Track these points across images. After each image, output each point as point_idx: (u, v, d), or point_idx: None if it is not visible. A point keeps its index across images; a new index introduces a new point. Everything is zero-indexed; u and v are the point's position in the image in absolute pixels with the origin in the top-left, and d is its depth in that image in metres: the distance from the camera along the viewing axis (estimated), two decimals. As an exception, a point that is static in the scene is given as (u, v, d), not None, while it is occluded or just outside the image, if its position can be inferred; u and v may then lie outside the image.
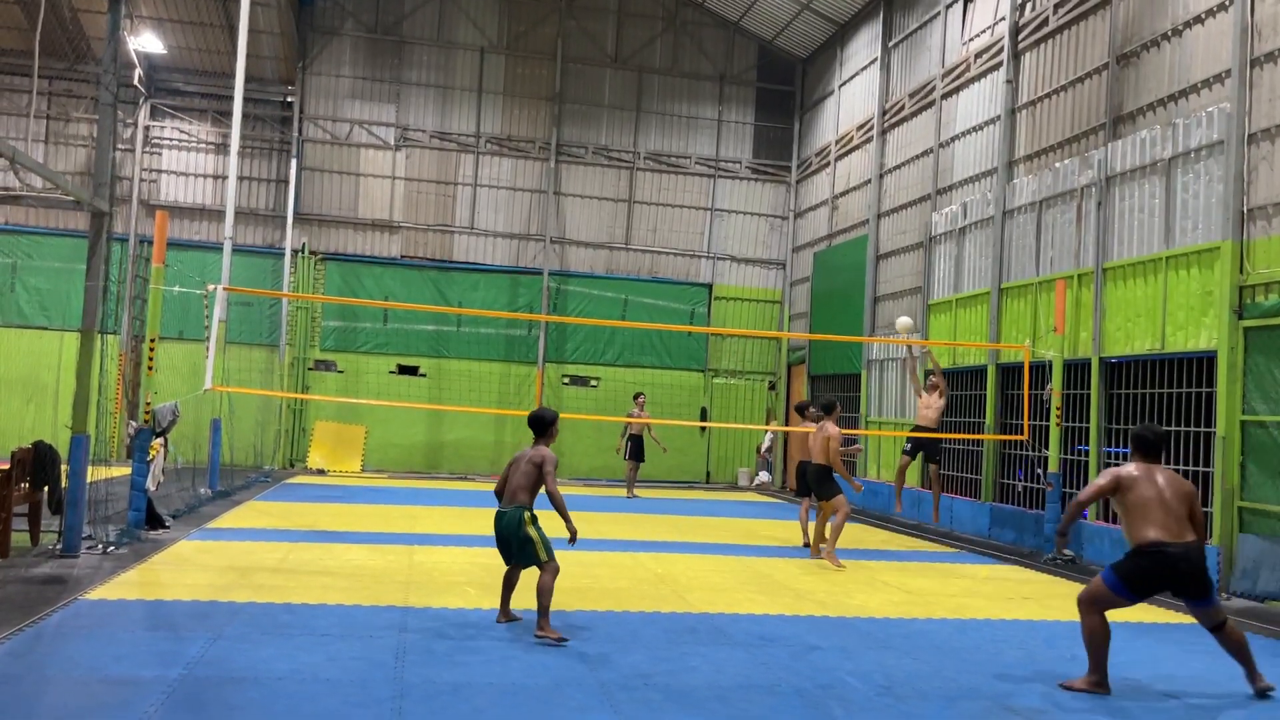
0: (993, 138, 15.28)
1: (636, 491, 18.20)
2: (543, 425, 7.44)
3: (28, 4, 18.71)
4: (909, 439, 14.07)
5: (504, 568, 7.41)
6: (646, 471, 19.23)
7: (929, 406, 13.79)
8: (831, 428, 11.44)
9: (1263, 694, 6.29)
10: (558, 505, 7.07)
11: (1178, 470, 11.11)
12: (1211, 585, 6.29)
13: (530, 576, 7.15)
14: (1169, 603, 9.63)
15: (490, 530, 7.41)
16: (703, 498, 18.92)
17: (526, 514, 7.12)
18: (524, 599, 7.30)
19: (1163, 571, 6.17)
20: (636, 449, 18.08)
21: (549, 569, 6.99)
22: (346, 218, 21.53)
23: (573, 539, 7.11)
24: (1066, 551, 12.09)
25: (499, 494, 7.37)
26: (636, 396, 18.51)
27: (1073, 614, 8.78)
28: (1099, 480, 6.50)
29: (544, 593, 6.89)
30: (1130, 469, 6.38)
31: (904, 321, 14.47)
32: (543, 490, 7.15)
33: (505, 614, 7.34)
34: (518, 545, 7.11)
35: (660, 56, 22.78)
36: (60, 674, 5.60)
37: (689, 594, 8.88)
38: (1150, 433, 6.50)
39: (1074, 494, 12.76)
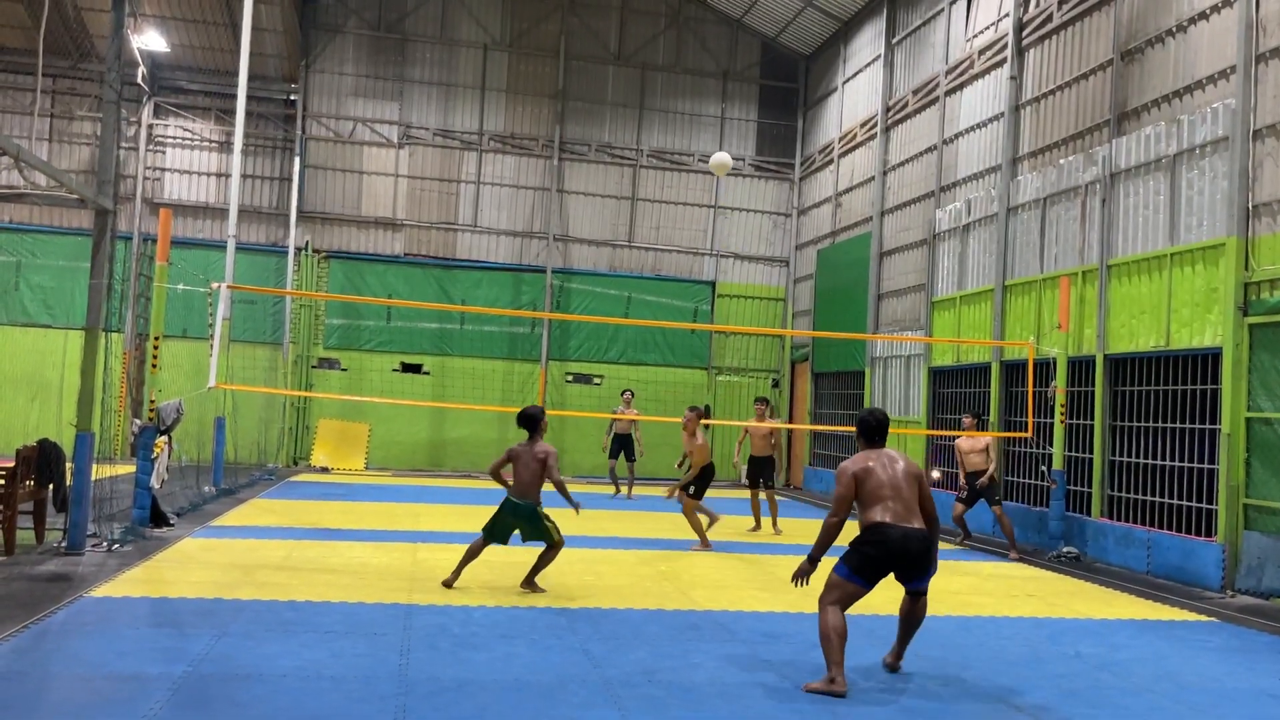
0: (997, 134, 15.25)
1: (636, 490, 17.75)
2: (534, 422, 8.44)
3: (32, 2, 18.73)
4: (962, 488, 12.78)
5: (499, 560, 7.98)
6: (647, 468, 19.19)
7: (972, 450, 12.65)
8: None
9: (891, 669, 6.41)
10: (562, 490, 8.47)
11: (1184, 468, 11.10)
12: (932, 568, 6.20)
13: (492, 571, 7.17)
14: (1172, 599, 9.62)
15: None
16: (706, 494, 18.90)
17: (539, 509, 8.33)
18: (503, 587, 7.28)
19: (889, 556, 6.01)
20: (624, 447, 17.59)
21: (558, 546, 8.39)
22: (350, 215, 21.54)
23: (578, 510, 8.65)
24: (1070, 549, 12.08)
25: (495, 475, 8.53)
26: (624, 393, 18.33)
27: (1079, 611, 8.81)
28: (838, 490, 6.15)
29: (548, 561, 8.40)
30: (861, 460, 6.19)
31: (721, 159, 13.91)
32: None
33: (455, 579, 8.39)
34: (532, 528, 8.35)
35: (663, 53, 22.77)
36: (65, 671, 5.61)
37: (692, 591, 8.88)
38: (873, 417, 6.35)
39: (1078, 491, 12.75)
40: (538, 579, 8.42)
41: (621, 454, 17.57)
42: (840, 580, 6.08)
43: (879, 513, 6.05)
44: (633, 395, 18.36)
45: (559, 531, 8.37)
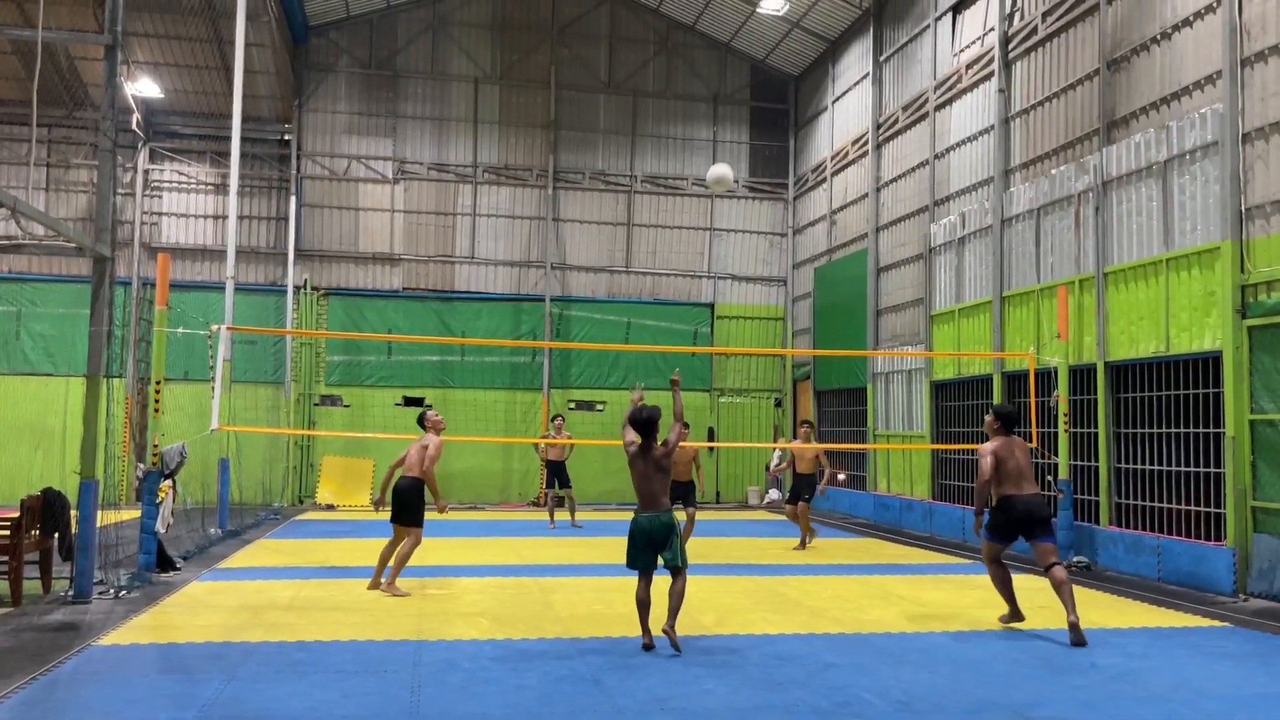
0: (988, 147, 15.33)
1: (578, 517, 16.55)
2: (653, 425, 7.58)
3: (25, 53, 18.89)
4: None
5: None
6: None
7: (802, 456, 14.13)
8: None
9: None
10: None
11: (1190, 472, 11.07)
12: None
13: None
14: (1185, 605, 9.56)
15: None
16: (713, 517, 18.85)
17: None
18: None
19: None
20: (558, 475, 16.37)
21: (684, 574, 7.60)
22: (347, 252, 21.62)
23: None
24: (1080, 558, 12.03)
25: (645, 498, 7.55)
26: (555, 419, 17.12)
27: (1092, 621, 8.74)
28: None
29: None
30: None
31: (718, 173, 12.95)
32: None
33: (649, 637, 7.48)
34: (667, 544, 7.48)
35: (653, 80, 22.92)
36: (75, 721, 5.57)
37: (702, 615, 8.83)
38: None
39: (1085, 499, 12.71)
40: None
41: (556, 482, 16.43)
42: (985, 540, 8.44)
43: (1009, 487, 8.26)
44: (564, 420, 17.26)
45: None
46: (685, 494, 13.40)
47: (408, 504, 10.01)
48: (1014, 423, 8.50)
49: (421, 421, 10.48)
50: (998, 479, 8.25)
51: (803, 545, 13.92)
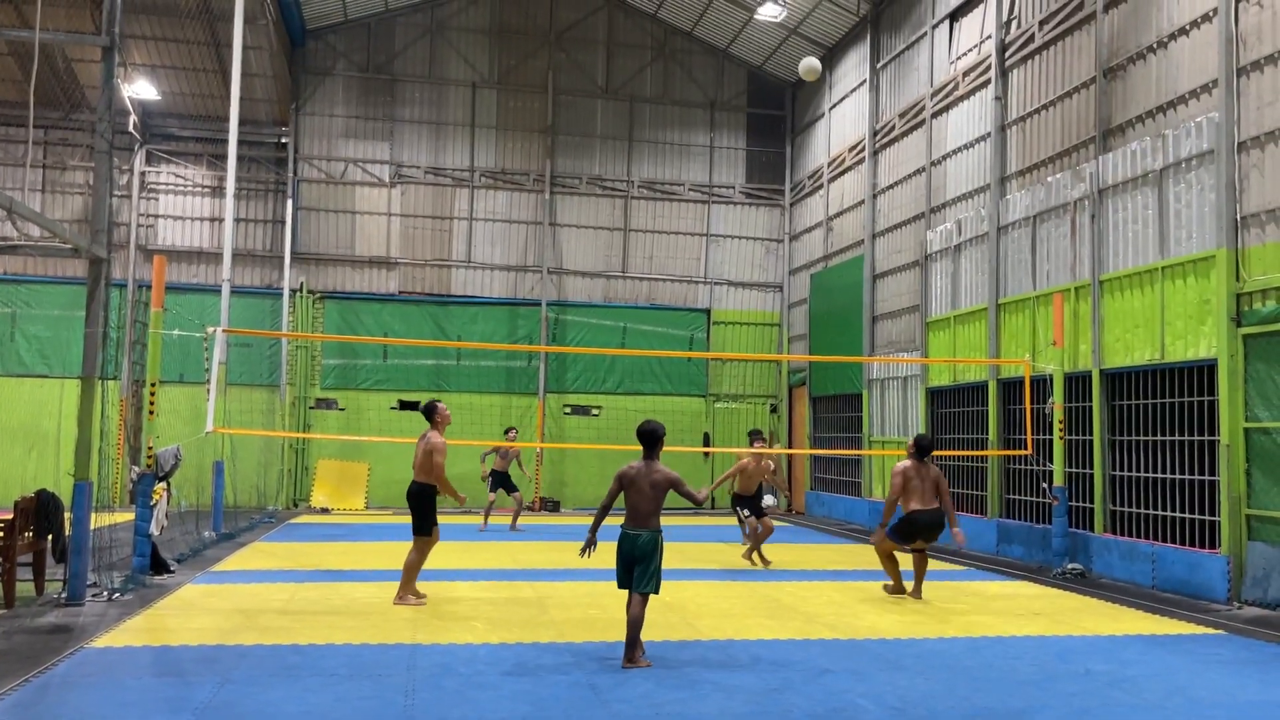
0: (984, 154, 15.36)
1: (520, 523, 17.00)
2: (655, 439, 7.35)
3: (22, 55, 18.87)
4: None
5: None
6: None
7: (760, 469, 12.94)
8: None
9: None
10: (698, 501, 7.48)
11: (1185, 480, 11.09)
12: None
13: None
14: (1179, 612, 9.57)
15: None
16: (708, 523, 18.83)
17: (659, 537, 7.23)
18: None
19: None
20: (503, 483, 16.68)
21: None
22: (344, 256, 21.61)
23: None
24: (1075, 565, 12.05)
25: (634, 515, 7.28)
26: (508, 431, 17.29)
27: (1087, 628, 8.75)
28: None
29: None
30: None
31: (810, 64, 14.21)
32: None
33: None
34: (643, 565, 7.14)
35: (651, 85, 22.95)
36: (68, 724, 5.55)
37: (698, 621, 8.83)
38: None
39: (1080, 507, 12.72)
40: None
41: (500, 488, 16.74)
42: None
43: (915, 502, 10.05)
44: (517, 433, 17.49)
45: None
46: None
47: (411, 510, 9.49)
48: (928, 451, 10.31)
49: (430, 413, 9.69)
50: (906, 496, 10.09)
51: (761, 560, 12.75)
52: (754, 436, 13.70)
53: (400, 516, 19.34)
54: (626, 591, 7.23)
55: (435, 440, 9.49)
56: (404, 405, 21.33)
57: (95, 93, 13.55)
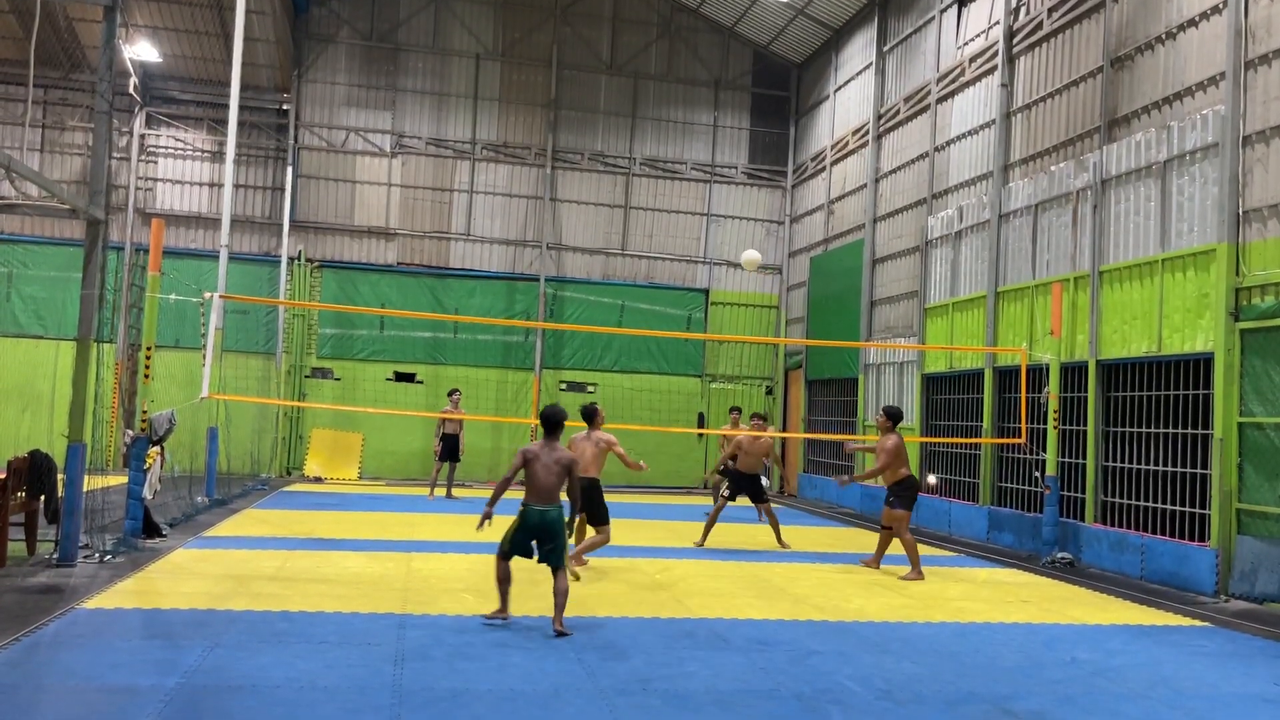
0: (988, 142, 15.31)
1: (455, 493, 17.63)
2: (556, 423, 7.71)
3: (23, 13, 18.71)
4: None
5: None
6: (640, 475, 19.05)
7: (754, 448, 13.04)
8: None
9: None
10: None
11: (1177, 473, 11.13)
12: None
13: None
14: (1167, 604, 9.63)
15: None
16: (701, 503, 18.89)
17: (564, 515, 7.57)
18: (530, 605, 7.24)
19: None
20: (451, 449, 17.24)
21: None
22: (343, 225, 21.53)
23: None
24: (1064, 555, 12.10)
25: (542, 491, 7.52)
26: (451, 393, 17.72)
27: (1074, 617, 8.80)
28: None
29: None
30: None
31: (751, 256, 13.99)
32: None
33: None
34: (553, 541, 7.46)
35: (655, 62, 22.82)
36: (57, 683, 5.57)
37: (687, 599, 8.86)
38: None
39: (1072, 496, 12.77)
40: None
41: (450, 459, 17.30)
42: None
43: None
44: (460, 395, 17.82)
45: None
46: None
47: (585, 504, 9.70)
48: (899, 419, 11.09)
49: (591, 416, 10.37)
50: (902, 463, 10.80)
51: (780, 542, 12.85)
52: (753, 418, 13.76)
53: (393, 488, 19.43)
54: (530, 560, 7.52)
55: (608, 435, 10.27)
56: (399, 377, 21.32)
57: (96, 53, 13.46)
